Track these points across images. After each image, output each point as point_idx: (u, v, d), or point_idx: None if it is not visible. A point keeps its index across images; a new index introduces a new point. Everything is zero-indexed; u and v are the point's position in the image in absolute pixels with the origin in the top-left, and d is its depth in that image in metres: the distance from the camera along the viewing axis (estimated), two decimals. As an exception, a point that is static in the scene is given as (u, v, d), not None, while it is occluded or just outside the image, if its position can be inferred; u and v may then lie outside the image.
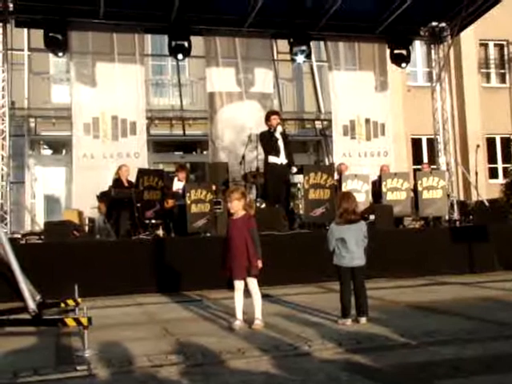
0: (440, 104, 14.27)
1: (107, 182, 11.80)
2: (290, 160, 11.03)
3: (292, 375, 4.11)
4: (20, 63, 16.85)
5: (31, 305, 5.54)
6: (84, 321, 5.13)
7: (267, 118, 11.13)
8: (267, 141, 10.94)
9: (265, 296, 6.48)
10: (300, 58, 13.44)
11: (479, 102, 20.78)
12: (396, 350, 4.79)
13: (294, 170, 11.14)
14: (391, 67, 14.46)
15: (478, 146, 14.38)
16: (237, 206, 6.01)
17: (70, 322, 5.33)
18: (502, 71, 22.10)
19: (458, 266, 10.21)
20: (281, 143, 10.92)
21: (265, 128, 11.15)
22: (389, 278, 9.47)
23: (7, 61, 11.79)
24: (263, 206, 11.01)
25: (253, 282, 5.91)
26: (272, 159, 10.93)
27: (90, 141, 12.66)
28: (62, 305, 6.79)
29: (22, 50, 17.01)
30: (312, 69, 20.12)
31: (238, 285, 5.94)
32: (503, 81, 22.10)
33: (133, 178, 11.53)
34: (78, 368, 4.51)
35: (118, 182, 11.48)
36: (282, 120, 11.66)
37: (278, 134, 10.89)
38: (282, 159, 10.92)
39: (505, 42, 21.92)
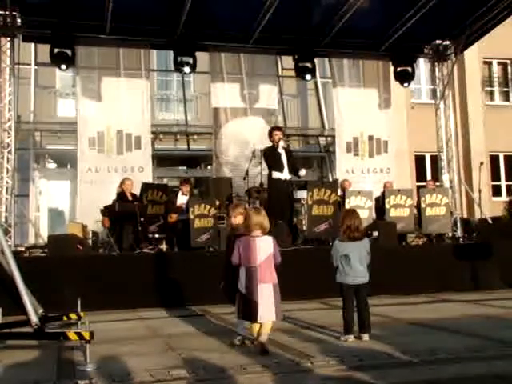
0: (444, 121, 14.32)
1: (111, 195, 11.84)
2: (295, 169, 10.98)
3: (294, 392, 4.09)
4: (27, 77, 16.96)
5: (34, 318, 5.53)
6: (86, 335, 5.12)
7: (270, 134, 11.17)
8: (270, 156, 10.96)
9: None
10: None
11: (483, 119, 20.80)
12: (399, 367, 4.76)
13: (303, 172, 11.05)
14: (395, 84, 14.54)
15: (481, 163, 14.40)
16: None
17: (72, 335, 5.31)
18: (506, 89, 22.15)
19: (461, 283, 10.16)
20: (284, 158, 10.93)
21: (269, 144, 11.18)
22: (391, 294, 9.43)
23: (14, 75, 11.88)
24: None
25: None
26: (275, 174, 10.95)
27: (94, 155, 12.73)
28: (65, 318, 6.78)
29: (29, 65, 17.13)
30: (316, 85, 20.22)
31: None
32: (507, 99, 22.14)
33: (137, 192, 11.56)
34: (80, 382, 4.48)
35: (121, 195, 11.50)
36: (286, 136, 11.68)
37: (280, 149, 10.91)
38: (285, 174, 10.93)
39: (508, 61, 21.99)
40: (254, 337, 5.62)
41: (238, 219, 6.03)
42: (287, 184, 10.98)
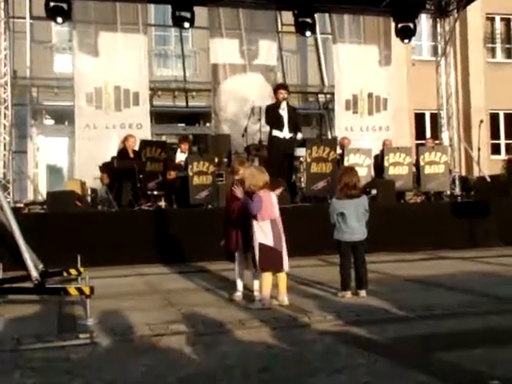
0: (444, 79, 14.17)
1: (110, 152, 11.80)
2: (295, 131, 10.97)
3: (291, 346, 4.15)
4: (22, 32, 16.70)
5: (34, 273, 5.57)
6: (86, 290, 5.16)
7: (275, 91, 11.11)
8: (271, 114, 10.92)
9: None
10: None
11: (484, 77, 20.60)
12: (395, 323, 4.83)
13: (300, 136, 11.07)
14: (396, 41, 14.34)
15: (481, 121, 14.29)
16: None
17: (72, 290, 5.36)
18: (508, 46, 21.88)
19: (459, 241, 10.22)
20: (285, 117, 10.89)
21: (267, 101, 11.10)
22: (389, 252, 9.50)
23: (9, 29, 11.70)
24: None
25: None
26: (275, 132, 10.93)
27: (92, 111, 12.63)
28: (65, 274, 6.84)
29: (24, 18, 16.83)
30: (316, 41, 19.93)
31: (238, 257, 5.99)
32: (509, 56, 21.88)
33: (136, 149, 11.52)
34: (81, 336, 4.56)
35: (123, 152, 11.46)
36: (289, 92, 11.57)
37: (282, 108, 10.86)
38: (285, 133, 10.91)
39: (511, 17, 21.65)
40: (258, 293, 5.68)
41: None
42: (287, 142, 10.94)
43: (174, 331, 4.65)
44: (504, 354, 3.83)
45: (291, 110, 11.17)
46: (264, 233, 5.55)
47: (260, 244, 5.53)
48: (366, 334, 4.43)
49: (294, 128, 10.99)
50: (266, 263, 5.56)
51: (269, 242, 5.55)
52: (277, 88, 11.24)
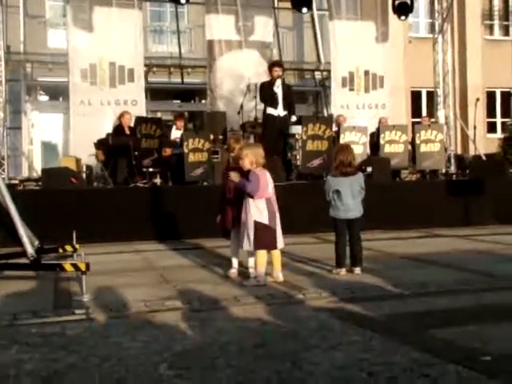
0: (441, 56, 14.09)
1: (105, 129, 11.75)
2: (289, 110, 10.95)
3: (286, 322, 4.18)
4: (15, 6, 16.49)
5: (30, 249, 5.57)
6: (82, 266, 5.17)
7: (269, 68, 11.04)
8: (266, 91, 10.87)
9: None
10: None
11: (481, 54, 20.48)
12: (389, 300, 4.86)
13: (294, 118, 11.09)
14: (393, 18, 14.23)
15: (477, 99, 14.25)
16: None
17: (68, 267, 5.37)
18: (506, 23, 21.73)
19: (454, 219, 10.27)
20: (280, 95, 10.84)
21: (263, 78, 11.03)
22: (384, 229, 9.53)
23: (2, 3, 11.57)
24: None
25: None
26: (269, 110, 10.89)
27: (87, 87, 12.54)
28: (60, 250, 6.85)
29: (18, -8, 16.63)
30: (313, 18, 19.75)
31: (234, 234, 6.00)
32: (506, 33, 21.73)
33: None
34: (76, 312, 4.58)
35: (119, 128, 11.41)
36: (284, 70, 11.50)
37: (277, 86, 10.81)
38: (279, 111, 10.87)
39: (509, -7, 21.49)
40: (253, 270, 5.71)
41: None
42: (281, 120, 10.90)
43: (170, 307, 4.67)
44: (497, 330, 3.87)
45: (286, 88, 11.11)
46: (259, 211, 5.54)
47: (255, 222, 5.53)
48: (361, 311, 4.46)
49: (288, 106, 10.95)
50: (261, 241, 5.57)
51: (264, 219, 5.55)
52: (271, 65, 11.18)
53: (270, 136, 10.75)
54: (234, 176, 5.65)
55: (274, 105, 10.85)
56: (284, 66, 11.59)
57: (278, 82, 10.84)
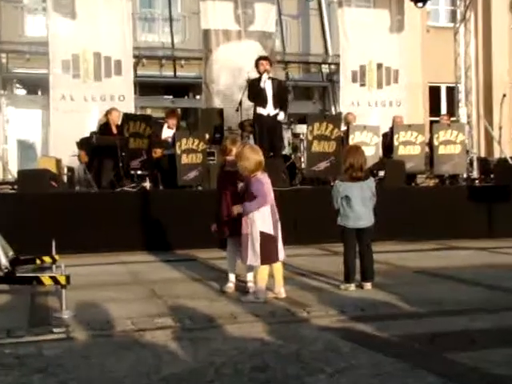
0: (463, 48, 14.17)
1: (89, 127, 11.79)
2: (279, 108, 10.88)
3: (287, 343, 4.18)
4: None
5: (3, 261, 5.58)
6: (62, 279, 5.17)
7: (256, 64, 11.06)
8: (252, 89, 10.92)
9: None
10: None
11: (508, 46, 20.49)
12: (402, 319, 4.87)
13: (281, 116, 11.03)
14: (409, 4, 14.27)
15: (504, 95, 14.27)
16: None
17: (46, 280, 5.37)
18: (536, 10, 21.75)
19: (475, 229, 10.28)
20: (268, 92, 10.84)
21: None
22: (397, 240, 9.55)
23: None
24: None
25: None
26: (259, 110, 10.90)
27: (69, 80, 12.59)
28: (38, 261, 6.85)
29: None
30: (320, 5, 19.81)
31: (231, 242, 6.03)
32: (537, 22, 21.75)
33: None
34: (55, 330, 4.58)
35: (106, 127, 11.44)
36: (285, 63, 11.55)
37: (264, 82, 10.82)
38: (269, 109, 10.85)
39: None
40: (253, 284, 5.73)
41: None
42: (270, 120, 10.87)
43: (159, 326, 4.68)
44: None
45: (276, 84, 11.11)
46: (264, 219, 5.52)
47: (261, 233, 5.50)
48: (371, 331, 4.47)
49: (280, 103, 10.93)
50: (267, 254, 5.53)
51: (268, 229, 5.53)
52: (258, 59, 11.20)
53: (261, 138, 10.66)
54: (237, 210, 5.63)
55: (263, 103, 10.83)
56: (283, 58, 11.57)
57: (265, 77, 10.84)
